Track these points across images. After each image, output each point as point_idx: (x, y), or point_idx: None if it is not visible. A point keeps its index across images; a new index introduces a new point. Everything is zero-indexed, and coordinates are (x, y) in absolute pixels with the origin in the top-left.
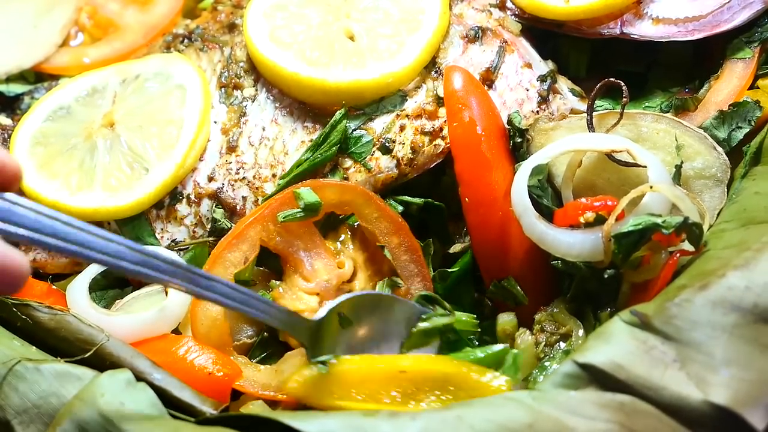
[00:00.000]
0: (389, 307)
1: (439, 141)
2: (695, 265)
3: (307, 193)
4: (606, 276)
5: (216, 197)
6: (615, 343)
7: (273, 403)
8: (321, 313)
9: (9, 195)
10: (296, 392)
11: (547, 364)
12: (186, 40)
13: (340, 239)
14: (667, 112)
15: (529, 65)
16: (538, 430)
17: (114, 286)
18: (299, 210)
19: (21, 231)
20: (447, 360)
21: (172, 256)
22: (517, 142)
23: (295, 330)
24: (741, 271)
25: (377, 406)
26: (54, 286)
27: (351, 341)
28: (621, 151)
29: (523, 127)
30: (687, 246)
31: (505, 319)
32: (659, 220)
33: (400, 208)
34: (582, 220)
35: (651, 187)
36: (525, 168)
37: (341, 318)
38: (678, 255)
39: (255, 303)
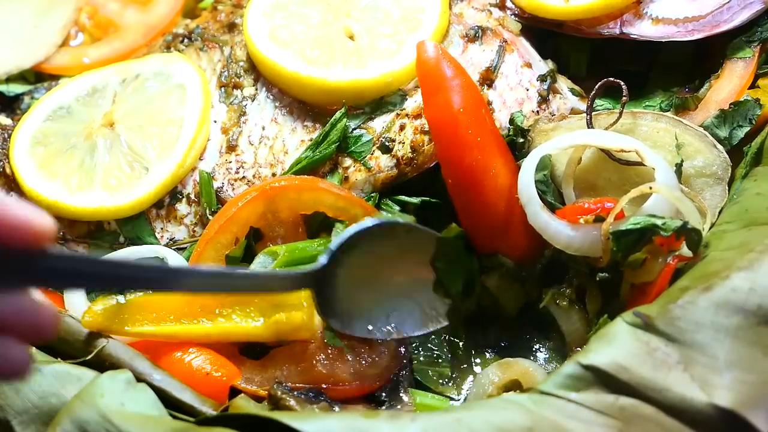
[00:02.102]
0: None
1: None
2: (698, 266)
3: None
4: (598, 279)
5: (216, 196)
6: (618, 345)
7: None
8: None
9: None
10: (93, 324)
11: None
12: (186, 40)
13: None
14: (668, 110)
15: (528, 65)
16: None
17: None
18: None
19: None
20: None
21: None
22: (519, 142)
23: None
24: (745, 273)
25: (163, 329)
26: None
27: None
28: (630, 151)
29: (525, 127)
30: (685, 251)
31: None
32: (659, 222)
33: (397, 208)
34: (582, 221)
35: (650, 188)
36: (533, 157)
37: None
38: (675, 261)
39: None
